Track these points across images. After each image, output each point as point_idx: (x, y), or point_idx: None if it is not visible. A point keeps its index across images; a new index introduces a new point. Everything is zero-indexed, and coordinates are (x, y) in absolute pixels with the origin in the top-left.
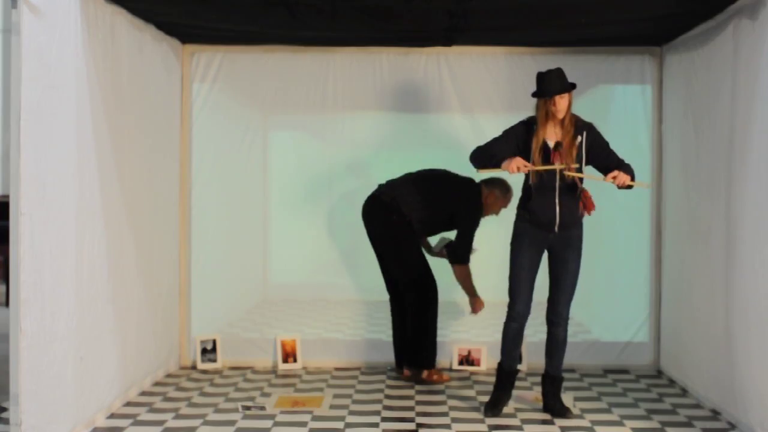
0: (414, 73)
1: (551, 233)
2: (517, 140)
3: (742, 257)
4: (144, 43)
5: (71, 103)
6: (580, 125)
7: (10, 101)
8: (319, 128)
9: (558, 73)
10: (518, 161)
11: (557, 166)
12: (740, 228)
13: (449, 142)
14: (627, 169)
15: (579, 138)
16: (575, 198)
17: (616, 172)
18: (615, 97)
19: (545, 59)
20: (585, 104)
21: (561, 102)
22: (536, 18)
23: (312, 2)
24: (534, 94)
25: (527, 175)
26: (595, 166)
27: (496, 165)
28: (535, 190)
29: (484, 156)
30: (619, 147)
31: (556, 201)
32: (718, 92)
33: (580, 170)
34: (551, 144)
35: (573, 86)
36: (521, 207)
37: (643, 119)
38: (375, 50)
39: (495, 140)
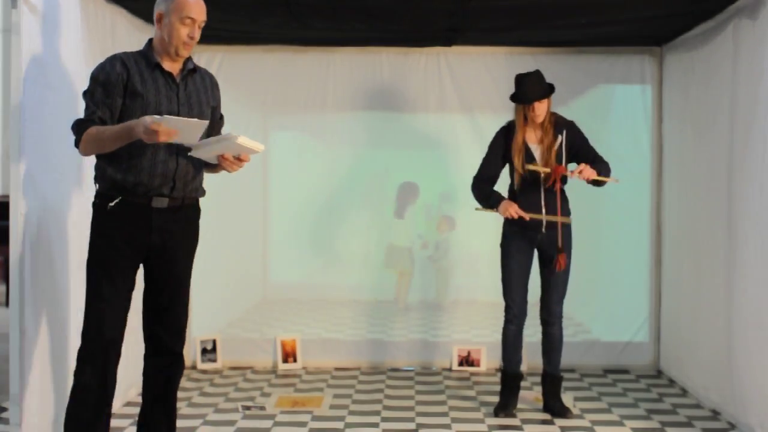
0: (414, 73)
1: (539, 233)
2: (501, 150)
3: (744, 257)
4: (144, 43)
5: (71, 103)
6: (560, 123)
7: (10, 101)
8: (319, 128)
9: (537, 77)
10: (512, 209)
11: (547, 217)
12: (741, 228)
13: (449, 142)
14: (602, 165)
15: (559, 138)
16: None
17: (582, 167)
18: (615, 97)
19: (545, 59)
20: (585, 104)
21: (540, 107)
22: (536, 18)
23: (312, 2)
24: (512, 98)
25: (512, 178)
26: (575, 162)
27: (493, 207)
28: (520, 191)
29: (482, 194)
30: (619, 147)
31: (542, 201)
32: (718, 92)
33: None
34: (536, 155)
35: (552, 90)
36: None
37: (643, 119)
38: (375, 50)
39: (485, 163)
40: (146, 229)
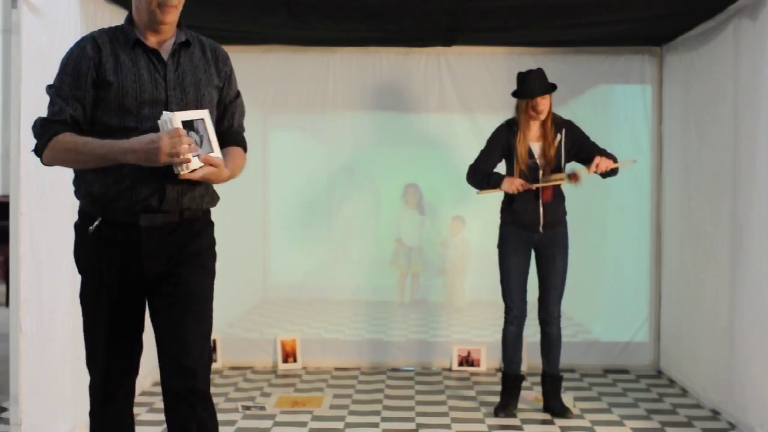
0: (414, 73)
1: (536, 233)
2: (501, 145)
3: (750, 257)
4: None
5: None
6: (558, 123)
7: (10, 101)
8: (319, 128)
9: (539, 73)
10: (518, 182)
11: (553, 181)
12: (747, 228)
13: (449, 142)
14: (609, 156)
15: (558, 136)
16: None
17: (597, 160)
18: (615, 97)
19: (545, 59)
20: (585, 104)
21: (543, 102)
22: (536, 18)
23: (312, 2)
24: (515, 94)
25: (510, 175)
26: (578, 161)
27: (496, 185)
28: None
29: (479, 177)
30: (619, 147)
31: (539, 201)
32: (718, 92)
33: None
34: (536, 152)
35: (554, 87)
36: (504, 210)
37: (643, 119)
38: (375, 50)
39: (483, 155)
40: (135, 257)
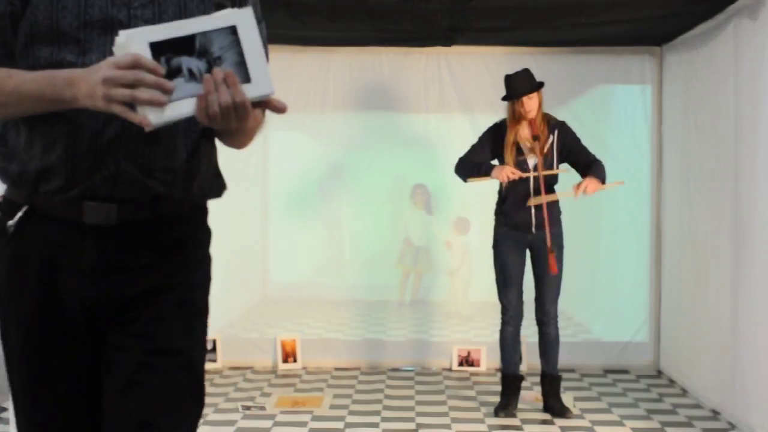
0: (414, 73)
1: (529, 233)
2: (491, 143)
3: (753, 257)
4: None
5: None
6: (551, 123)
7: None
8: (318, 128)
9: (525, 74)
10: (508, 169)
11: (542, 173)
12: (750, 227)
13: (449, 142)
14: (598, 167)
15: (551, 137)
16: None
17: (585, 184)
18: (615, 97)
19: (545, 59)
20: (585, 104)
21: (529, 102)
22: (536, 18)
23: (312, 2)
24: (503, 98)
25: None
26: (569, 163)
27: (486, 173)
28: (509, 192)
29: (468, 167)
30: (619, 147)
31: (531, 199)
32: (718, 92)
33: (554, 176)
34: (524, 146)
35: (541, 85)
36: (497, 212)
37: (643, 119)
38: (375, 50)
39: (473, 149)
40: (74, 276)
